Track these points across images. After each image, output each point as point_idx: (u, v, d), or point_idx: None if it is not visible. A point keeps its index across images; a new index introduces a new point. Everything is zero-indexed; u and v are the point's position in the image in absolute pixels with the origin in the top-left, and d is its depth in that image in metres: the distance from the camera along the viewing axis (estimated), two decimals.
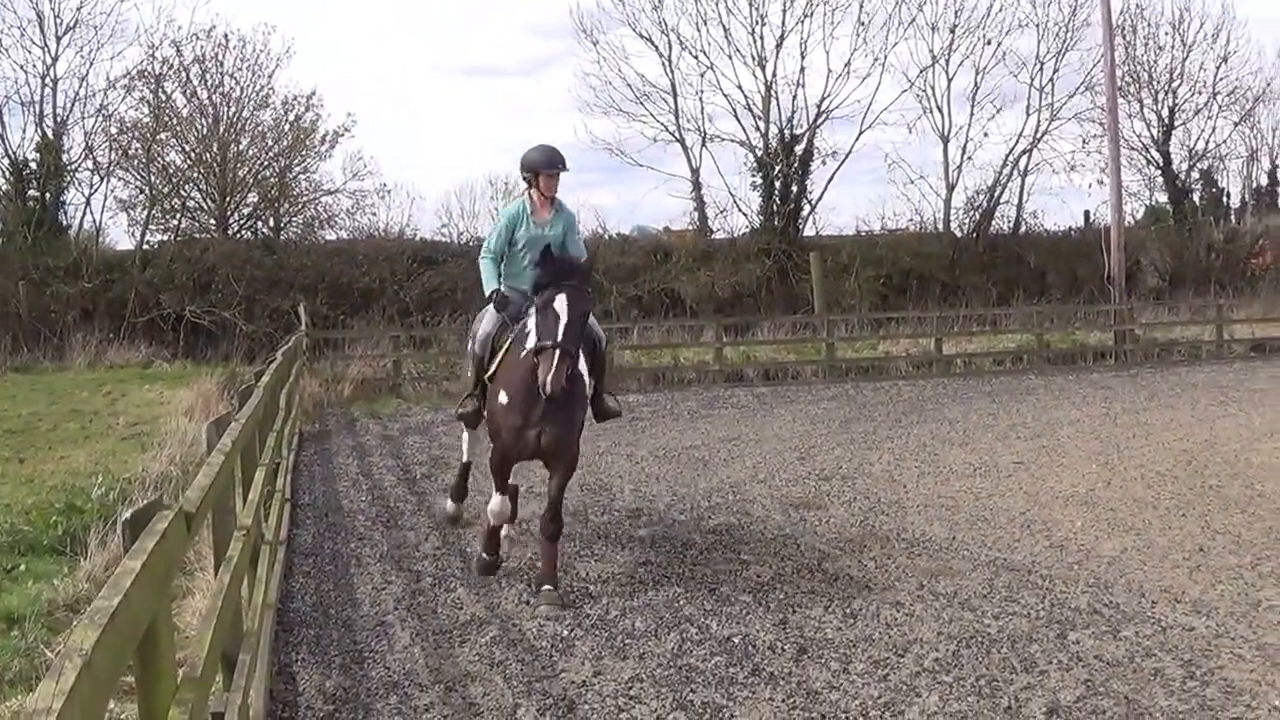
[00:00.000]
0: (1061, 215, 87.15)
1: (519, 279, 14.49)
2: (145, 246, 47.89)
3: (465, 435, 16.69)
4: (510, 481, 14.40)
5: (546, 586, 13.05)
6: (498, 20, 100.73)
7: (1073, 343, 43.50)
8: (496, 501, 13.96)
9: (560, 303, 12.85)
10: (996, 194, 55.16)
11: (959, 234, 54.86)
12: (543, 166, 14.49)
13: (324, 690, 10.40)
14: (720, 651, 11.10)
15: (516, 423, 13.37)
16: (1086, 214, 58.66)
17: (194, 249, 46.63)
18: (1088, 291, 49.02)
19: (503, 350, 14.01)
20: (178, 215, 49.79)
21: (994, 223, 55.50)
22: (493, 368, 14.15)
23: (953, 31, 54.41)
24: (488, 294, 14.64)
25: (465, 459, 16.97)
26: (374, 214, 52.97)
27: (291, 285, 44.22)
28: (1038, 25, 55.60)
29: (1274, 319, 46.13)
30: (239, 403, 12.87)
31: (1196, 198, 62.03)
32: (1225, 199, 66.01)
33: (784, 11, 52.61)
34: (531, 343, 13.14)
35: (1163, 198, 60.76)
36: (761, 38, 52.74)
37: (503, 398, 13.59)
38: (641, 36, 53.18)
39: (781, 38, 52.62)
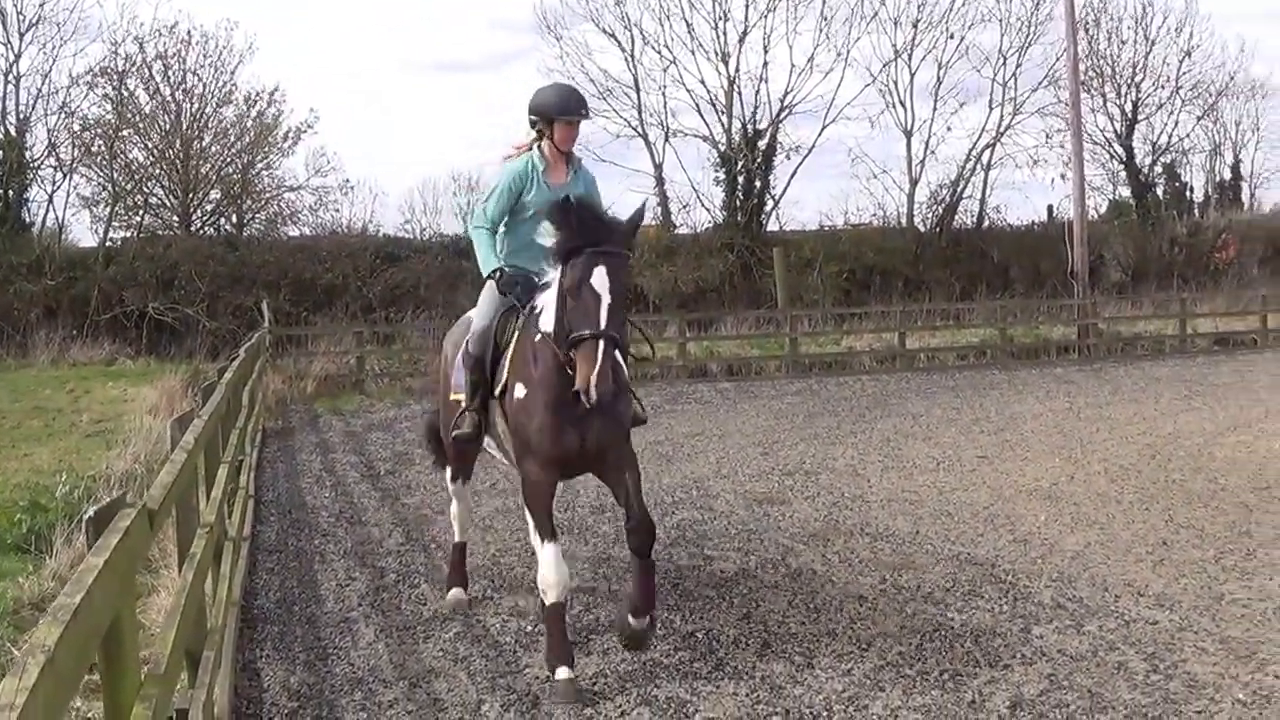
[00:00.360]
0: (1024, 210, 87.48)
1: (521, 256, 11.23)
2: (108, 244, 47.94)
3: (454, 507, 13.05)
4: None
5: (634, 620, 10.35)
6: (461, 15, 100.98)
7: (1036, 337, 43.68)
8: (550, 556, 10.23)
9: (599, 276, 9.59)
10: (960, 188, 55.48)
11: (922, 228, 55.12)
12: (558, 111, 11.18)
13: (288, 686, 10.38)
14: (684, 646, 11.10)
15: (549, 420, 10.17)
16: (1050, 208, 59.09)
17: (157, 246, 46.60)
18: (1051, 286, 49.33)
19: (511, 344, 10.78)
20: (140, 212, 49.73)
21: (957, 217, 55.84)
22: (502, 373, 10.77)
23: (915, 26, 54.81)
24: (486, 273, 11.21)
25: (458, 538, 13.01)
26: (337, 210, 53.00)
27: (254, 282, 44.21)
28: (1000, 20, 56.22)
29: (1237, 313, 46.46)
30: (202, 400, 12.86)
31: (1160, 192, 62.43)
32: (1188, 193, 66.37)
33: (747, 6, 52.95)
34: (548, 325, 10.17)
35: (1126, 192, 61.25)
36: (724, 33, 53.01)
37: (521, 391, 10.39)
38: (605, 32, 53.36)
39: (744, 33, 52.88)
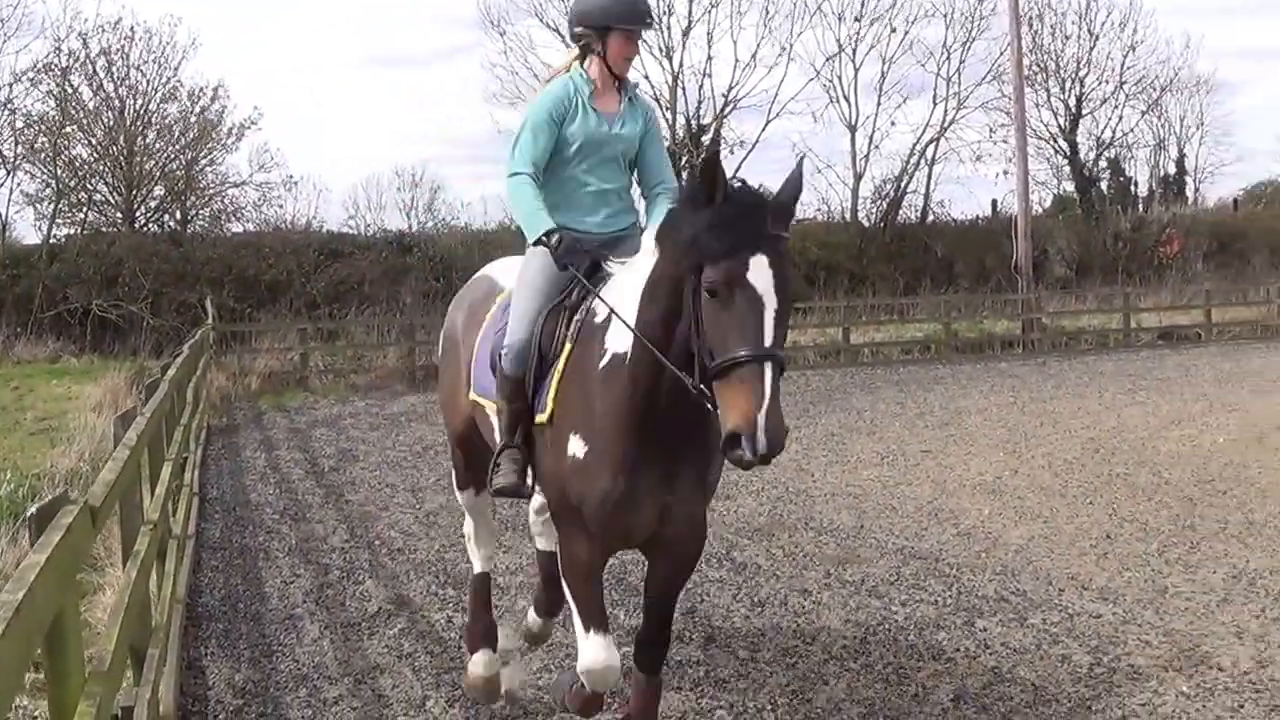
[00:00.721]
0: (969, 204, 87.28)
1: (564, 212, 8.00)
2: (52, 241, 47.61)
3: (469, 526, 9.97)
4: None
5: None
6: (405, 11, 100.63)
7: (980, 332, 43.76)
8: (594, 649, 7.49)
9: (760, 271, 6.28)
10: (904, 183, 55.56)
11: (866, 223, 55.15)
12: (618, 19, 7.96)
13: (233, 684, 10.36)
14: (628, 641, 10.97)
15: (614, 493, 7.14)
16: (994, 203, 59.27)
17: (101, 243, 46.26)
18: (995, 280, 49.45)
19: (560, 362, 7.53)
20: (84, 209, 49.51)
21: (901, 212, 55.94)
22: (545, 397, 7.52)
23: (859, 21, 54.73)
24: (534, 237, 7.71)
25: (478, 568, 9.85)
26: (280, 206, 53.07)
27: (198, 279, 43.97)
28: (944, 14, 56.16)
29: (1181, 307, 46.69)
30: (146, 397, 12.81)
31: (1104, 186, 62.65)
32: (1133, 188, 66.59)
33: (690, 2, 52.70)
34: (621, 343, 7.12)
35: (1070, 186, 61.51)
36: (668, 28, 52.76)
37: (577, 448, 7.27)
38: (548, 27, 53.04)
39: (688, 28, 52.69)
